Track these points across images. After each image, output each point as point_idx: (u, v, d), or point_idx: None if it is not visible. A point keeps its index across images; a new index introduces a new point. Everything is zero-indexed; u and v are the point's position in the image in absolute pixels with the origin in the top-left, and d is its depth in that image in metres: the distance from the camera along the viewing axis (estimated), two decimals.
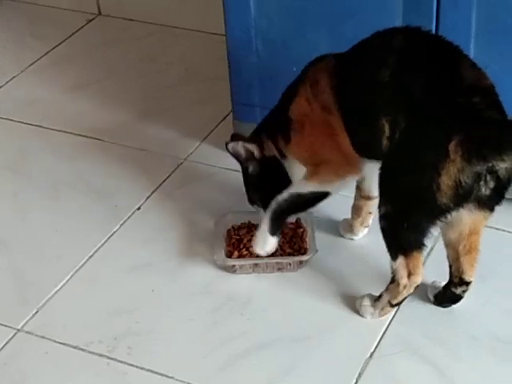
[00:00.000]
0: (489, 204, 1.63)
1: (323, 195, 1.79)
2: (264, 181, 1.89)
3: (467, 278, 1.75)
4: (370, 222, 1.94)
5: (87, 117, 2.44)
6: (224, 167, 2.18)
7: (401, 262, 1.68)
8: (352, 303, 1.81)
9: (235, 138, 1.92)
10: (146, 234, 2.03)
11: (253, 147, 1.86)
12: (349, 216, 1.96)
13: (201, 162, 2.24)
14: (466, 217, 1.65)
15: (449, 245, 1.73)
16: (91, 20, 2.92)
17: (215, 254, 1.90)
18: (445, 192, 1.56)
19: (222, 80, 2.25)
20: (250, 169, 1.89)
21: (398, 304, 1.75)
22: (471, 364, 1.69)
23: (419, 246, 1.66)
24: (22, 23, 2.92)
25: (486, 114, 1.58)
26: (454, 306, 1.79)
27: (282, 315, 1.81)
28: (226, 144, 1.87)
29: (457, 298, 1.78)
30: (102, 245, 2.01)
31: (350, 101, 1.70)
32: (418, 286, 1.72)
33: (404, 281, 1.70)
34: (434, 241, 1.79)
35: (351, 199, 1.94)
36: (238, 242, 1.94)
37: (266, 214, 1.82)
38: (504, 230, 1.97)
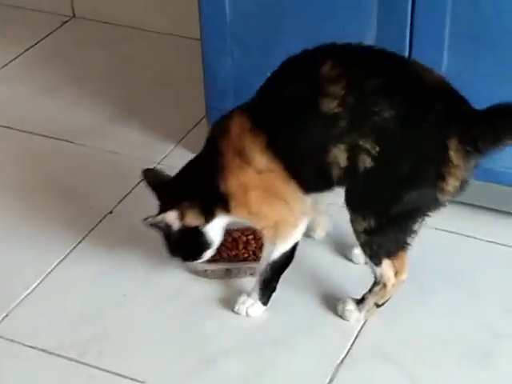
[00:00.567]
0: None
1: (294, 246, 1.77)
2: (183, 244, 1.79)
3: None
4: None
5: (59, 119, 2.43)
6: None
7: (386, 266, 1.70)
8: (323, 307, 1.81)
9: (148, 172, 1.83)
10: (118, 238, 2.01)
11: (173, 219, 1.75)
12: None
13: (175, 166, 2.22)
14: None
15: None
16: (65, 22, 2.91)
17: None
18: (449, 191, 1.59)
19: (197, 83, 2.24)
20: (167, 232, 1.79)
21: (385, 303, 1.76)
22: (441, 369, 1.69)
23: (404, 246, 1.68)
24: None
25: (464, 109, 1.59)
26: (426, 312, 1.80)
27: (253, 320, 1.81)
28: (144, 220, 1.76)
29: None
30: (74, 248, 1.99)
31: (291, 148, 1.65)
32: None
33: (391, 281, 1.72)
34: None
35: (331, 206, 1.94)
36: None
37: (256, 286, 1.80)
38: (475, 238, 1.98)
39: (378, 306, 1.77)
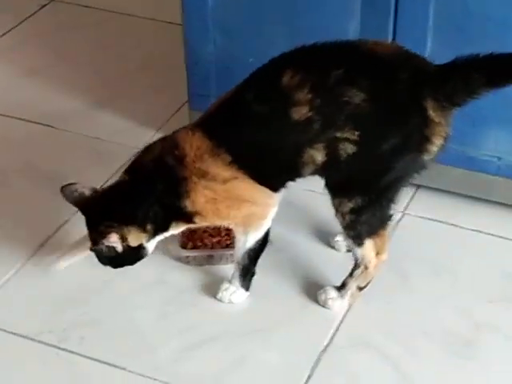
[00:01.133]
0: None
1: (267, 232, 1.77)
2: (119, 258, 1.74)
3: None
4: None
5: (39, 103, 2.41)
6: None
7: (367, 246, 1.70)
8: (305, 295, 1.82)
9: (66, 188, 1.74)
10: None
11: (115, 242, 1.68)
12: (307, 209, 1.97)
13: None
14: None
15: None
16: (44, 6, 2.87)
17: (169, 245, 1.89)
18: (434, 152, 1.60)
19: (178, 69, 2.23)
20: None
21: (367, 285, 1.77)
22: (424, 358, 1.70)
23: (387, 221, 1.69)
24: None
25: (429, 69, 1.59)
26: (409, 301, 1.80)
27: (235, 307, 1.81)
28: (91, 248, 1.71)
29: None
30: (54, 234, 1.98)
31: (260, 162, 1.64)
32: None
33: (373, 262, 1.72)
34: None
35: (312, 194, 1.94)
36: (192, 234, 1.92)
37: (236, 273, 1.80)
38: (459, 226, 1.98)
39: (360, 289, 1.77)
